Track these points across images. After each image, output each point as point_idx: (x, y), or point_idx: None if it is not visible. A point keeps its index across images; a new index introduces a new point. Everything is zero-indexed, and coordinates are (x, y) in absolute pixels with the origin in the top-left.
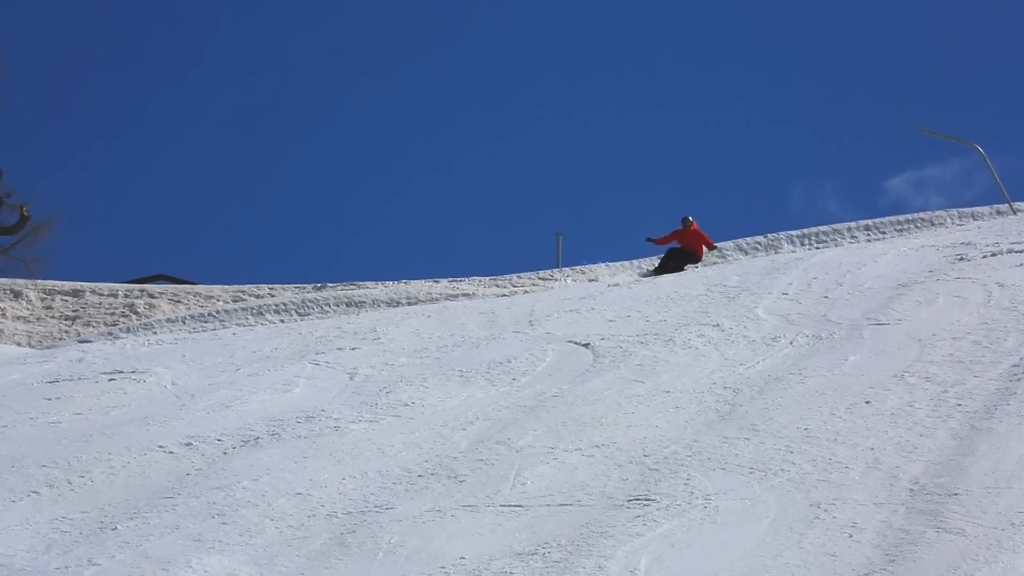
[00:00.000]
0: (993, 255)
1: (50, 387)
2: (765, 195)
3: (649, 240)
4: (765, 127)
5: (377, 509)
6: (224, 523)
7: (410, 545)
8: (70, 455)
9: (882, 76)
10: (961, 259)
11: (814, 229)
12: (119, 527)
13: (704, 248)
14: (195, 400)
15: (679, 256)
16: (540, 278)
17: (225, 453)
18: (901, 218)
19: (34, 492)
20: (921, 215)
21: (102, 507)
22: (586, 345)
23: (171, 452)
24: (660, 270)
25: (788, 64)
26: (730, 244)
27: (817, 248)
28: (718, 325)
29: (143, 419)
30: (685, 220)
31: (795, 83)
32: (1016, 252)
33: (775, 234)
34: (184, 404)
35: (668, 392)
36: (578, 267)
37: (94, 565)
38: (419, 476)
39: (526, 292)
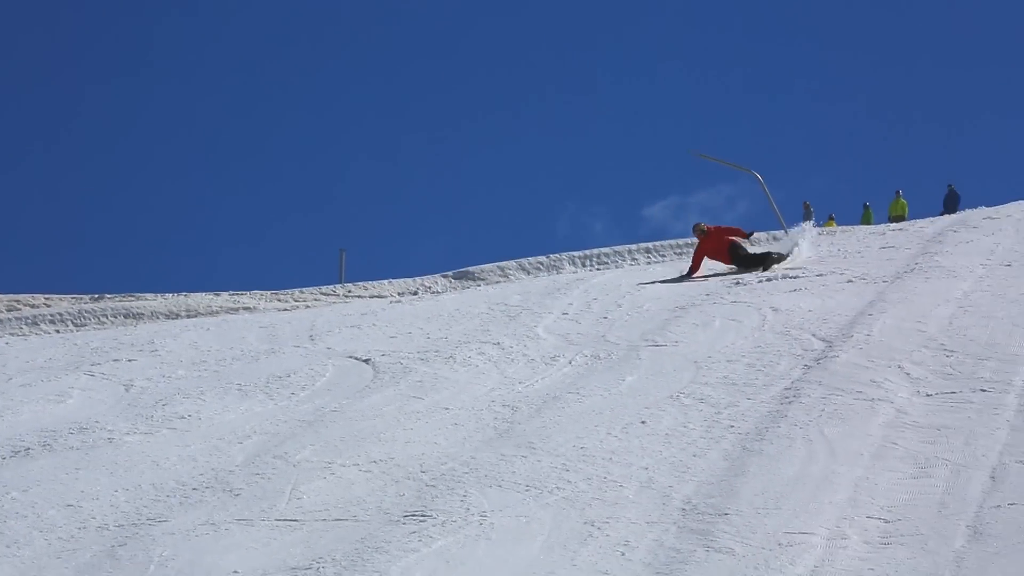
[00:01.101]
0: (768, 280)
1: None
2: (535, 216)
3: (689, 277)
4: (540, 146)
5: (150, 522)
6: None
7: (183, 558)
8: None
9: (655, 99)
10: (737, 283)
11: (595, 251)
12: None
13: (734, 239)
14: None
15: (736, 260)
16: (323, 293)
17: None
18: (680, 241)
19: None
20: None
21: None
22: (366, 361)
23: None
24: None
25: (570, 87)
26: (512, 263)
27: (598, 269)
28: (499, 343)
29: None
30: (696, 229)
31: (575, 106)
32: (790, 278)
33: (557, 255)
34: None
35: (447, 409)
36: (361, 283)
37: None
38: (194, 489)
39: (308, 307)
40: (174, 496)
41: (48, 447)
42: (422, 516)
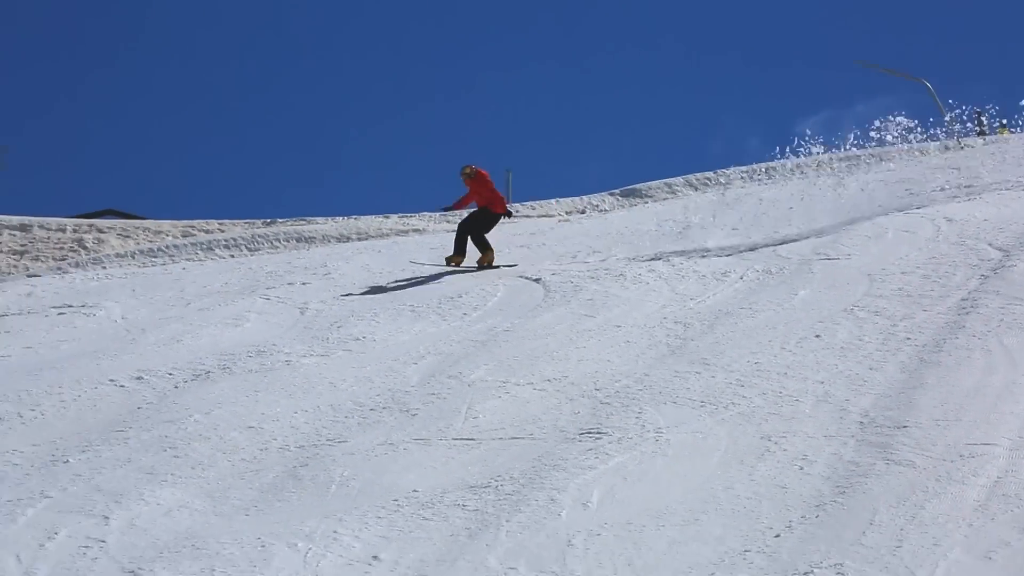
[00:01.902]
0: (941, 190)
1: None
2: (691, 135)
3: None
4: (692, 67)
5: (329, 442)
6: (176, 456)
7: (363, 478)
8: (20, 388)
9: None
10: (910, 193)
11: (763, 165)
12: (71, 460)
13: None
14: (145, 334)
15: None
16: None
17: (176, 387)
18: (850, 154)
19: None
20: (871, 151)
21: (53, 440)
22: (537, 280)
23: (122, 386)
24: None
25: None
26: (680, 180)
27: (767, 183)
28: (669, 260)
29: (93, 353)
30: (463, 172)
31: (723, 21)
32: (964, 187)
33: (725, 170)
34: (134, 338)
35: (619, 326)
36: (528, 203)
37: (46, 497)
38: (371, 410)
39: None
40: (352, 417)
41: (227, 370)
42: (598, 433)
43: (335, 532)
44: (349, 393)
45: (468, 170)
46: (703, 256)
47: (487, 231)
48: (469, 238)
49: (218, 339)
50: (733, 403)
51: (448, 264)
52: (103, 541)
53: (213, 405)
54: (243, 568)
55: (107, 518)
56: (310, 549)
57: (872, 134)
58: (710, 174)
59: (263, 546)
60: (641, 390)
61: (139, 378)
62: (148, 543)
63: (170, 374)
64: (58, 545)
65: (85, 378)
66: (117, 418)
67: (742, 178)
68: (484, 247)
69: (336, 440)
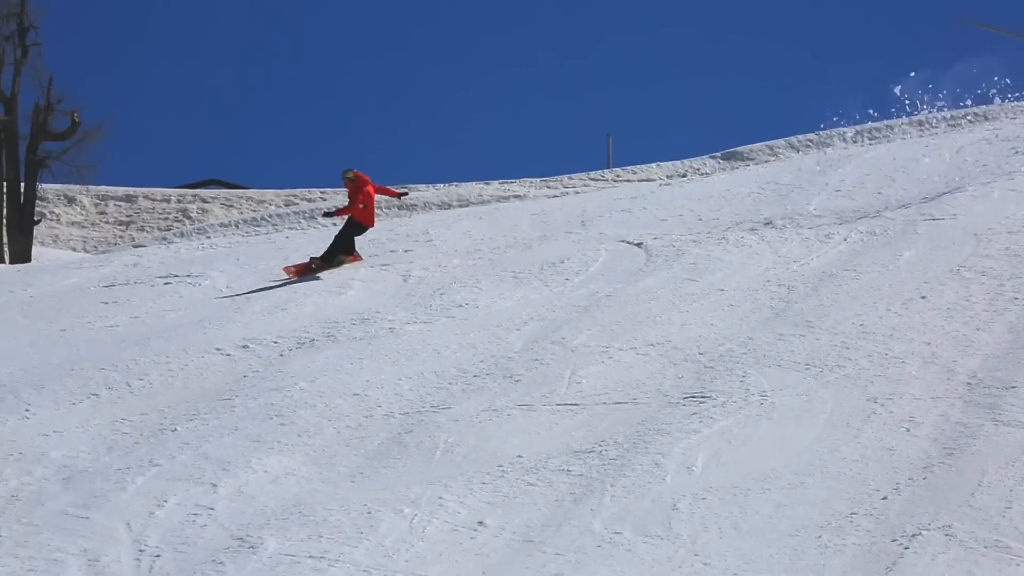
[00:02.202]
0: None
1: (107, 291)
2: (787, 97)
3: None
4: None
5: (434, 409)
6: (282, 424)
7: (467, 444)
8: (128, 358)
9: None
10: (1016, 152)
11: (866, 125)
12: (179, 428)
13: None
14: (250, 303)
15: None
16: (591, 179)
17: (281, 355)
18: (956, 113)
19: (94, 395)
20: (975, 110)
21: (161, 409)
22: (639, 244)
23: (228, 354)
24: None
25: None
26: (781, 142)
27: (869, 144)
28: (771, 223)
29: (199, 322)
30: (344, 176)
31: None
32: None
33: (826, 131)
34: (239, 307)
35: (722, 290)
36: (629, 167)
37: (155, 466)
38: (475, 376)
39: (577, 193)
40: (456, 383)
41: (332, 338)
42: (702, 397)
43: (440, 498)
44: (453, 360)
45: (350, 174)
46: (806, 218)
47: (357, 234)
48: (340, 241)
49: (322, 307)
50: (838, 365)
51: (311, 264)
52: (212, 508)
53: (318, 373)
54: (350, 534)
55: (215, 486)
56: (416, 515)
57: (976, 92)
58: (811, 136)
59: (369, 512)
60: (745, 353)
61: (245, 347)
62: (256, 510)
63: (275, 342)
64: (167, 513)
65: (192, 347)
66: (223, 386)
67: (844, 139)
68: (346, 251)
69: (440, 406)
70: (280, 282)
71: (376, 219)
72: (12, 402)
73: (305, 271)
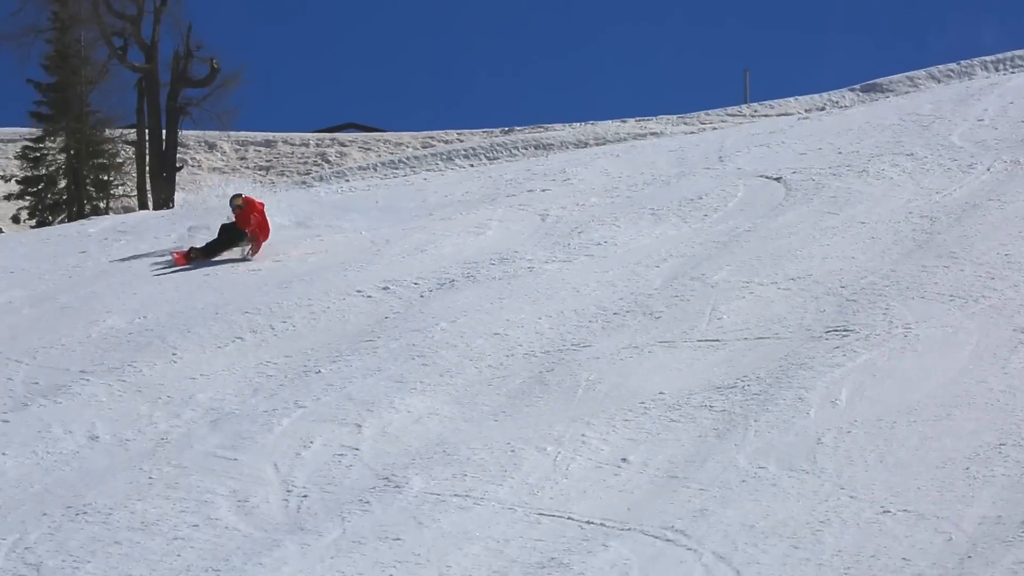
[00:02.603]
0: None
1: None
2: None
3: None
4: None
5: (574, 347)
6: (424, 364)
7: (609, 381)
8: (271, 301)
9: None
10: None
11: (1009, 54)
12: (322, 370)
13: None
14: (390, 245)
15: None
16: (728, 114)
17: (422, 296)
18: None
19: (238, 338)
20: None
21: (305, 351)
22: (777, 179)
23: (369, 296)
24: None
25: None
26: (922, 72)
27: (1012, 73)
28: (912, 154)
29: (340, 265)
30: (232, 202)
31: None
32: None
33: (968, 60)
34: (379, 249)
35: (863, 223)
36: (767, 102)
37: (300, 407)
38: (615, 314)
39: (714, 129)
40: (596, 321)
41: (471, 278)
42: (844, 331)
43: (583, 436)
44: (592, 298)
45: (239, 201)
46: (948, 149)
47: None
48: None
49: (461, 248)
50: (984, 296)
51: (190, 256)
52: (357, 449)
53: (459, 313)
54: (494, 473)
55: (359, 426)
56: (559, 453)
57: None
58: (953, 66)
59: (512, 451)
60: (888, 286)
61: (385, 288)
62: (400, 450)
63: (415, 284)
64: (313, 453)
65: (333, 290)
66: (366, 328)
67: (986, 68)
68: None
69: (581, 345)
70: (418, 226)
71: (515, 160)
72: (159, 346)
73: (187, 260)
